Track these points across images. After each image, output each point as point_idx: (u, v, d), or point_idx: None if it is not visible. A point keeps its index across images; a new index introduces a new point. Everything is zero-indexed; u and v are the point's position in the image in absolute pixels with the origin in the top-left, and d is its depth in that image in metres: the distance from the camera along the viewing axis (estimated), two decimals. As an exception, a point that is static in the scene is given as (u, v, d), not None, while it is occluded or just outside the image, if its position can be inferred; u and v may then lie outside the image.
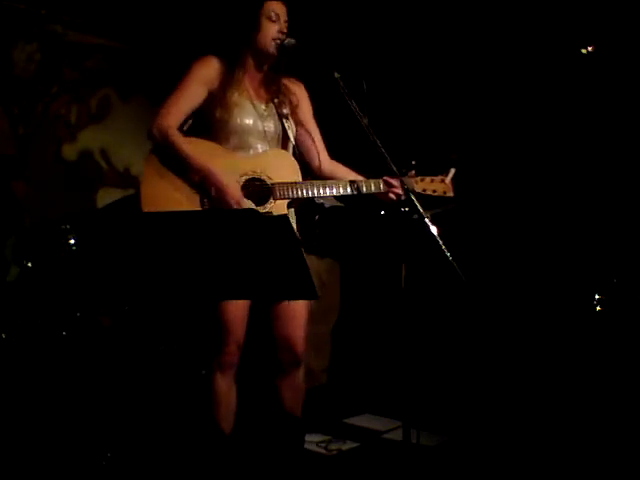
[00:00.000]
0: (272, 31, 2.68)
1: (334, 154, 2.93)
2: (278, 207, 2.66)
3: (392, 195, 2.71)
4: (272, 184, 2.66)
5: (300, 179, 2.72)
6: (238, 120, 2.67)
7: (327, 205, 3.81)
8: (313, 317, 4.71)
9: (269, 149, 2.75)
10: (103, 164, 4.72)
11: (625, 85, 4.01)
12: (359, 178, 2.80)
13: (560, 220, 4.20)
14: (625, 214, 3.98)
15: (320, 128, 2.93)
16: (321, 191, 2.71)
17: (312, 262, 4.43)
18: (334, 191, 2.74)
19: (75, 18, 4.51)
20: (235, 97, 2.68)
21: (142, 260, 1.96)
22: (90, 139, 4.66)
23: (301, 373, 2.82)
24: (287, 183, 2.68)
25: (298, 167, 2.75)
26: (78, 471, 2.94)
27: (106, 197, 4.61)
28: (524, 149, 4.35)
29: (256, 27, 2.68)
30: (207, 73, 2.69)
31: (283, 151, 2.78)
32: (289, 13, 2.74)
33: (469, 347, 4.19)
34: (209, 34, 2.96)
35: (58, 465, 2.93)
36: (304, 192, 2.69)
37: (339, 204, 3.84)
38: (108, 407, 3.22)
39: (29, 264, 3.48)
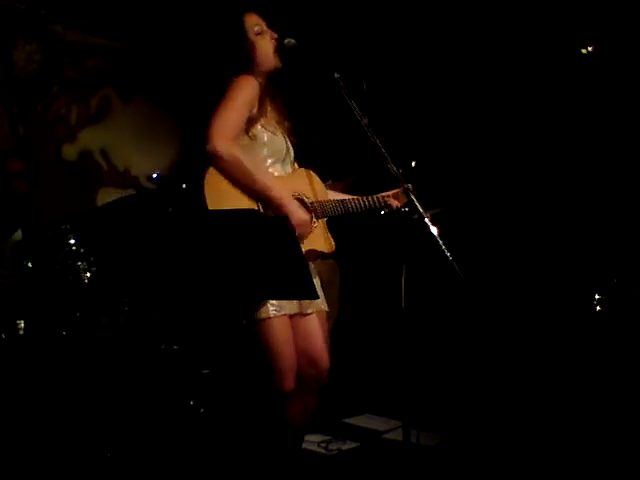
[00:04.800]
0: (266, 44, 2.66)
1: (333, 153, 2.93)
2: (320, 226, 2.70)
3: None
4: (311, 203, 2.69)
5: (328, 196, 2.77)
6: (273, 140, 2.66)
7: None
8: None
9: (297, 169, 2.77)
10: (103, 164, 4.72)
11: (625, 85, 4.01)
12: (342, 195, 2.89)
13: (560, 220, 4.20)
14: (625, 214, 3.98)
15: (320, 127, 2.94)
16: (354, 208, 2.77)
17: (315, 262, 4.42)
18: (361, 207, 2.80)
19: (75, 18, 4.51)
20: (269, 117, 2.68)
21: (142, 260, 1.96)
22: (90, 139, 4.67)
23: (317, 395, 2.74)
24: (324, 202, 2.72)
25: (323, 185, 2.79)
26: (78, 471, 2.94)
27: (106, 197, 4.61)
28: (525, 149, 4.35)
29: (251, 48, 2.64)
30: (253, 94, 2.61)
31: (309, 170, 2.79)
32: (289, 14, 2.73)
33: (469, 347, 4.19)
34: (209, 35, 2.96)
35: (58, 465, 2.93)
36: (341, 210, 2.73)
37: None
38: (108, 407, 3.21)
39: (29, 264, 3.48)
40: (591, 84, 4.09)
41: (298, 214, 2.56)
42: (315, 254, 2.69)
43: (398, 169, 2.40)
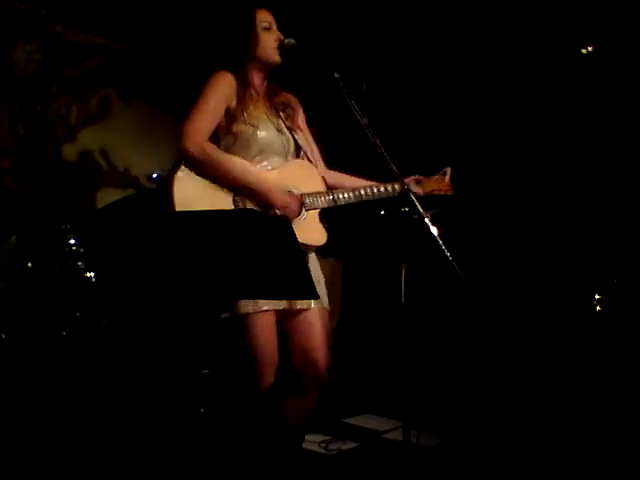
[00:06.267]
0: (270, 40, 2.65)
1: (333, 154, 2.93)
2: (310, 218, 2.65)
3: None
4: (301, 195, 2.65)
5: (324, 188, 2.72)
6: (258, 134, 2.61)
7: None
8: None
9: (292, 160, 2.72)
10: (103, 164, 4.72)
11: (625, 85, 4.01)
12: (363, 183, 2.82)
13: (560, 220, 4.20)
14: (625, 214, 3.98)
15: (320, 128, 2.93)
16: (348, 198, 2.71)
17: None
18: (356, 196, 2.74)
19: (75, 18, 4.51)
20: (253, 111, 2.63)
21: (142, 260, 1.96)
22: (90, 139, 4.66)
23: (316, 394, 2.72)
24: (316, 193, 2.67)
25: (320, 176, 2.75)
26: (78, 471, 2.93)
27: (106, 197, 4.61)
28: (524, 149, 4.35)
29: (254, 40, 2.64)
30: (226, 90, 2.60)
31: (305, 162, 2.75)
32: (289, 14, 2.74)
33: (469, 347, 4.19)
34: (209, 34, 2.96)
35: (58, 465, 2.93)
36: (333, 201, 2.68)
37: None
38: (108, 407, 3.21)
39: (29, 264, 3.47)
40: (591, 84, 4.09)
41: (280, 200, 2.55)
42: (302, 247, 2.67)
43: (398, 169, 2.40)
